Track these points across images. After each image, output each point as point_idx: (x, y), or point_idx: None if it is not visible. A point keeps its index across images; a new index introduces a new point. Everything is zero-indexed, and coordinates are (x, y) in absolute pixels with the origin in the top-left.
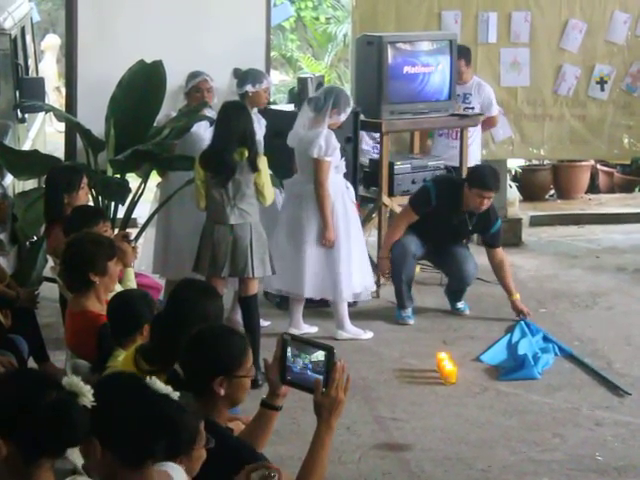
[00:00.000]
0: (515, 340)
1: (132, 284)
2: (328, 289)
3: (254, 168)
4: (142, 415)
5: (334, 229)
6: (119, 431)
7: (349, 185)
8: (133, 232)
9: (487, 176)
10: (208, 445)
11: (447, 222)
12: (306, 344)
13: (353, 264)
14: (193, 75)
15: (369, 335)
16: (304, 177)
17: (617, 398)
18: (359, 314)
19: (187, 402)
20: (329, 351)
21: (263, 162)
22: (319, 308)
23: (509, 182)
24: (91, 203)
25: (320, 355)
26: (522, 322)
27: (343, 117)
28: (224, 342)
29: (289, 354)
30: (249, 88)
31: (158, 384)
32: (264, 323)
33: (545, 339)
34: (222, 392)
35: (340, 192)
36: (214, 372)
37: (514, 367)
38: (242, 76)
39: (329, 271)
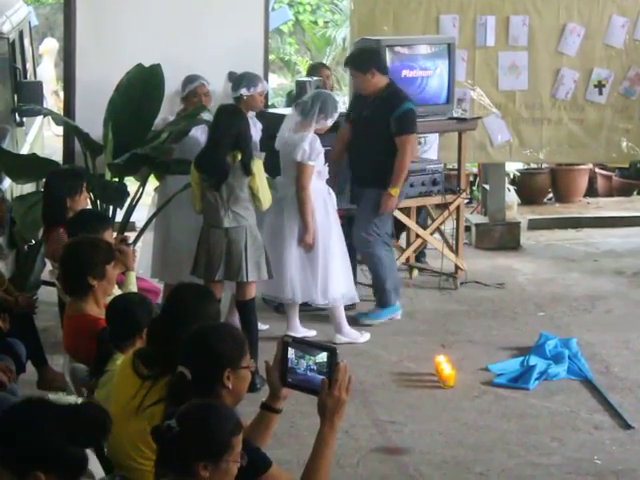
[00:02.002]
0: (530, 356)
1: (133, 288)
2: (307, 292)
3: (247, 171)
4: (66, 428)
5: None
6: (54, 453)
7: (331, 191)
8: (131, 236)
9: (351, 52)
10: (241, 462)
11: (361, 123)
12: (308, 346)
13: (332, 270)
14: (190, 79)
15: (366, 337)
16: (287, 180)
17: (615, 402)
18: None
19: (229, 414)
20: (332, 352)
21: (258, 166)
22: (317, 312)
23: (507, 186)
24: (89, 207)
25: (324, 356)
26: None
27: (330, 122)
28: (225, 334)
29: (292, 356)
30: (244, 92)
31: (63, 397)
32: (262, 327)
33: (570, 358)
34: (230, 386)
35: (322, 197)
36: (223, 365)
37: (515, 376)
38: (237, 80)
39: (308, 274)
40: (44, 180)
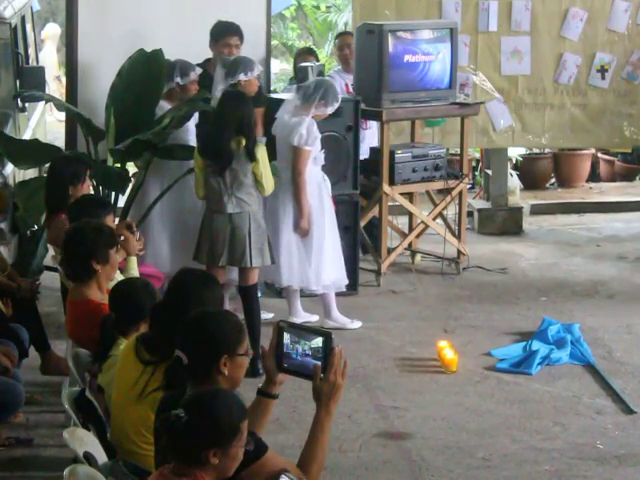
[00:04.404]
0: (532, 341)
1: (135, 272)
2: (303, 278)
3: (251, 157)
4: None
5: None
6: None
7: (326, 178)
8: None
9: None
10: (247, 447)
11: None
12: (304, 331)
13: (324, 256)
14: (189, 67)
15: (357, 325)
16: (282, 164)
17: (618, 387)
18: (359, 303)
19: (236, 400)
20: (327, 337)
21: (261, 152)
22: (318, 296)
23: (510, 171)
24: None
25: (319, 341)
26: (548, 319)
27: (330, 110)
28: (224, 321)
29: (287, 341)
30: (242, 77)
31: None
32: (267, 315)
33: (572, 343)
34: (226, 372)
35: (316, 183)
36: (219, 351)
37: (517, 361)
38: (233, 65)
39: (303, 260)
40: (48, 165)
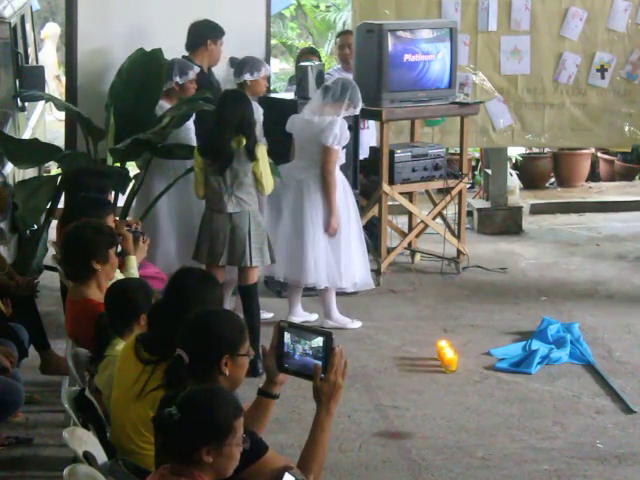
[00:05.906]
0: (532, 340)
1: (134, 272)
2: (329, 276)
3: (252, 157)
4: None
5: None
6: None
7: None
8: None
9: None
10: (243, 445)
11: None
12: (304, 331)
13: (353, 254)
14: (187, 66)
15: (357, 324)
16: (306, 162)
17: (618, 386)
18: (359, 302)
19: (230, 398)
20: (327, 336)
21: (262, 151)
22: (318, 296)
23: (510, 170)
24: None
25: (319, 341)
26: (548, 319)
27: (357, 111)
28: (226, 320)
29: (288, 340)
30: (248, 77)
31: None
32: (267, 315)
33: (572, 343)
34: (227, 372)
35: (341, 182)
36: (221, 351)
37: (517, 361)
38: (240, 65)
39: (331, 259)
40: (69, 176)
